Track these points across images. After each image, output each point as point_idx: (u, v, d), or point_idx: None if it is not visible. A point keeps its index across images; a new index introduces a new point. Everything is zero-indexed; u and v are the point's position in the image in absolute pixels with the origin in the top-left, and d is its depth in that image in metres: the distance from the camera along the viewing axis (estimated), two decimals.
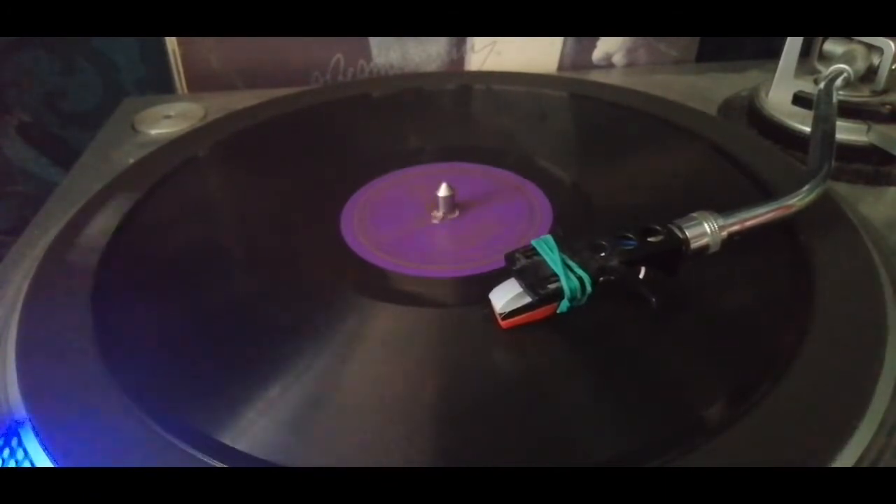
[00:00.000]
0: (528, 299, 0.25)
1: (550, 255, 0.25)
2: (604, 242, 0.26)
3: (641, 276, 0.26)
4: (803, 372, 0.23)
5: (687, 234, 0.26)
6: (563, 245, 0.26)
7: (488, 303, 0.26)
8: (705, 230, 0.26)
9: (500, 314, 0.25)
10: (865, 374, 0.23)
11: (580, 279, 0.25)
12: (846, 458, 0.21)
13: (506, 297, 0.25)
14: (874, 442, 0.22)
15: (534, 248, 0.26)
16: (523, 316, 0.25)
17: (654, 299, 0.24)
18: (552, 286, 0.25)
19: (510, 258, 0.26)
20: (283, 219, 0.34)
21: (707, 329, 0.26)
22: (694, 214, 0.27)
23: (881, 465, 0.21)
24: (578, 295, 0.25)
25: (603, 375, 0.24)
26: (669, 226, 0.26)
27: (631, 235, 0.26)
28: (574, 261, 0.25)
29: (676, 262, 0.26)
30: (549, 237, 0.26)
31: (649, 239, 0.26)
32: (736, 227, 0.27)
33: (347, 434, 0.22)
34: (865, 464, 0.21)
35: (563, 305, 0.25)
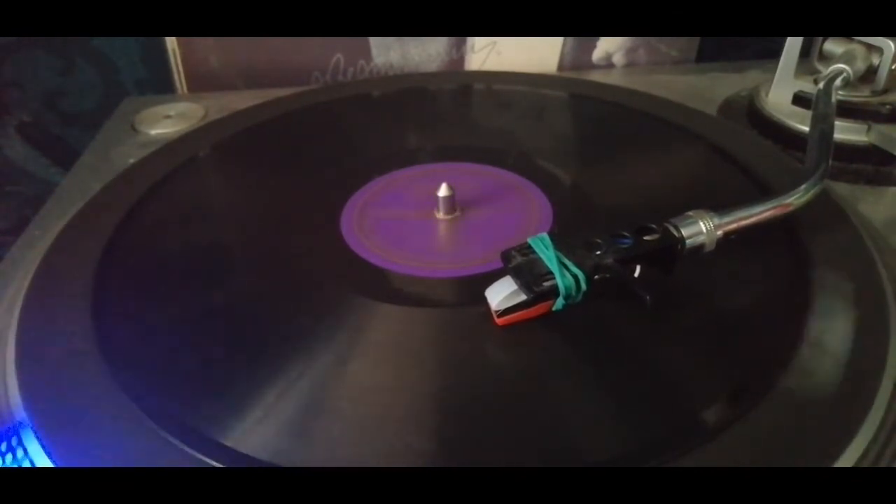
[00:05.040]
0: (523, 297, 0.25)
1: (546, 252, 0.25)
2: (599, 241, 0.26)
3: (637, 274, 0.26)
4: (803, 372, 0.23)
5: (683, 232, 0.26)
6: (559, 243, 0.26)
7: (485, 301, 0.26)
8: (701, 229, 0.26)
9: (496, 312, 0.25)
10: (866, 373, 0.23)
11: (575, 277, 0.25)
12: (846, 458, 0.21)
13: (501, 294, 0.25)
14: (874, 442, 0.22)
15: (529, 246, 0.26)
16: (519, 313, 0.25)
17: (647, 298, 0.24)
18: (547, 284, 0.25)
19: (506, 256, 0.26)
20: (283, 219, 0.33)
21: (707, 328, 0.26)
22: (690, 213, 0.27)
23: (881, 465, 0.21)
24: (573, 293, 0.25)
25: (600, 375, 0.24)
26: (665, 224, 0.26)
27: (627, 234, 0.26)
28: (569, 259, 0.25)
29: (672, 261, 0.26)
30: (546, 235, 0.26)
31: (645, 237, 0.26)
32: (732, 226, 0.27)
33: (347, 434, 0.22)
34: (865, 464, 0.21)
35: (559, 303, 0.25)
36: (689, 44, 0.55)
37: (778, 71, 0.41)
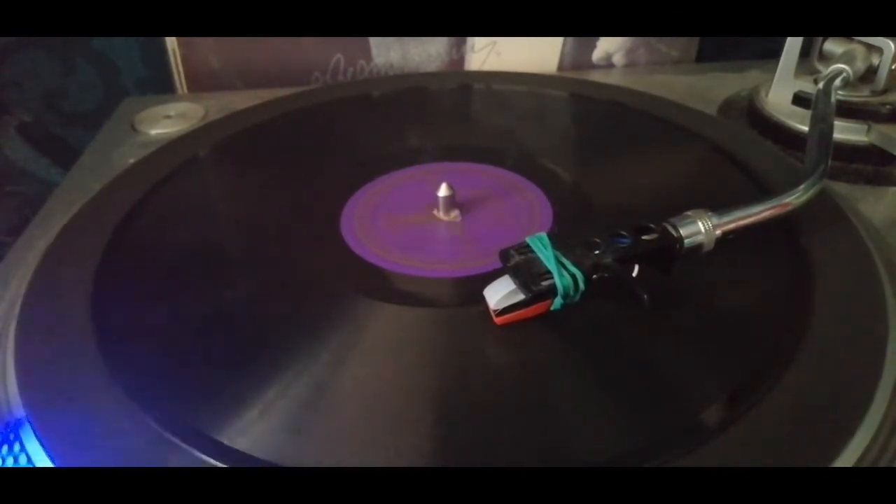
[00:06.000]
0: (521, 296, 0.25)
1: (544, 252, 0.25)
2: (598, 240, 0.26)
3: (635, 273, 0.26)
4: (803, 372, 0.23)
5: (681, 232, 0.26)
6: (558, 242, 0.26)
7: (484, 300, 0.26)
8: (699, 229, 0.26)
9: (494, 311, 0.25)
10: (865, 373, 0.23)
11: (573, 277, 0.25)
12: (846, 458, 0.21)
13: (499, 293, 0.25)
14: (874, 442, 0.22)
15: (528, 245, 0.26)
16: (517, 313, 0.25)
17: (646, 297, 0.24)
18: (545, 283, 0.25)
19: (504, 255, 0.26)
20: (283, 219, 0.34)
21: (707, 328, 0.26)
22: (689, 213, 0.27)
23: (881, 465, 0.21)
24: (571, 292, 0.25)
25: (599, 374, 0.24)
26: (664, 224, 0.26)
27: (625, 233, 0.26)
28: (568, 258, 0.25)
29: (670, 261, 0.26)
30: (544, 234, 0.26)
31: (643, 237, 0.26)
32: (731, 226, 0.27)
33: (347, 434, 0.22)
34: (865, 464, 0.21)
35: (557, 303, 0.25)
36: (689, 44, 0.55)
37: (778, 71, 0.41)
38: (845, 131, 0.37)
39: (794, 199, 0.28)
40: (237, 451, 0.22)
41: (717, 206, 0.27)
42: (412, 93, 0.47)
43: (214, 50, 0.52)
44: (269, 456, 0.21)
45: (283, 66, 0.53)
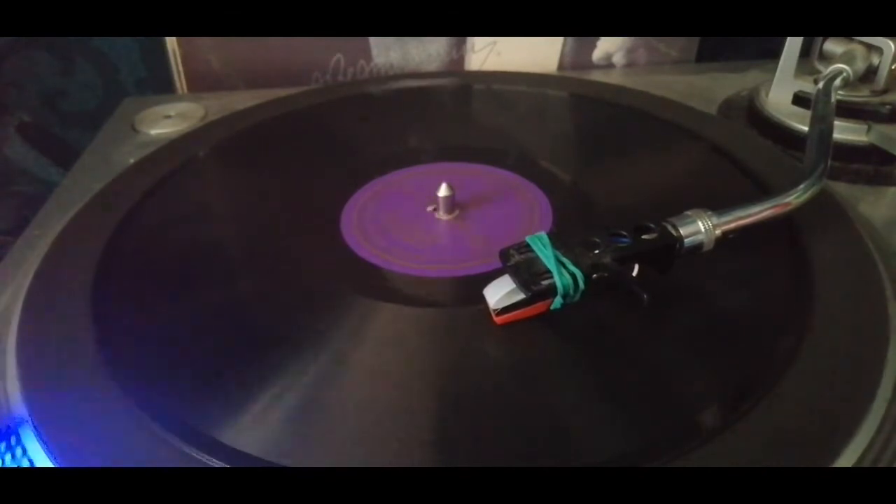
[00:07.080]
0: (521, 295, 0.25)
1: (544, 251, 0.25)
2: (597, 240, 0.26)
3: (634, 273, 0.26)
4: (803, 372, 0.23)
5: (681, 231, 0.26)
6: (557, 242, 0.26)
7: (484, 299, 0.26)
8: (699, 228, 0.26)
9: (494, 310, 0.25)
10: (866, 374, 0.23)
11: (573, 276, 0.25)
12: (846, 458, 0.21)
13: (499, 293, 0.25)
14: (874, 442, 0.22)
15: (528, 245, 0.26)
16: (517, 312, 0.25)
17: (645, 297, 0.24)
18: (545, 283, 0.25)
19: (504, 254, 0.26)
20: (282, 219, 0.34)
21: (707, 328, 0.26)
22: (688, 213, 0.27)
23: (881, 465, 0.21)
24: (571, 292, 0.25)
25: (599, 374, 0.24)
26: (664, 223, 0.26)
27: (625, 233, 0.26)
28: (567, 257, 0.25)
29: (670, 260, 0.26)
30: (544, 234, 0.26)
31: (643, 236, 0.26)
32: (731, 226, 0.27)
33: (347, 434, 0.22)
34: (865, 464, 0.21)
35: (557, 302, 0.25)
36: (689, 44, 0.55)
37: (778, 71, 0.41)
38: (845, 131, 0.37)
39: (794, 198, 0.28)
40: (237, 451, 0.22)
41: (717, 206, 0.27)
42: (412, 93, 0.47)
43: (214, 50, 0.52)
44: (269, 456, 0.21)
45: (283, 66, 0.53)
